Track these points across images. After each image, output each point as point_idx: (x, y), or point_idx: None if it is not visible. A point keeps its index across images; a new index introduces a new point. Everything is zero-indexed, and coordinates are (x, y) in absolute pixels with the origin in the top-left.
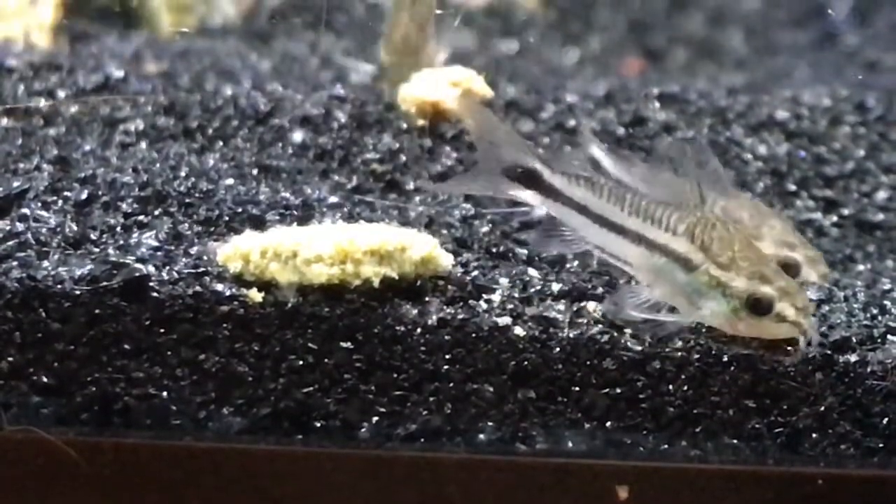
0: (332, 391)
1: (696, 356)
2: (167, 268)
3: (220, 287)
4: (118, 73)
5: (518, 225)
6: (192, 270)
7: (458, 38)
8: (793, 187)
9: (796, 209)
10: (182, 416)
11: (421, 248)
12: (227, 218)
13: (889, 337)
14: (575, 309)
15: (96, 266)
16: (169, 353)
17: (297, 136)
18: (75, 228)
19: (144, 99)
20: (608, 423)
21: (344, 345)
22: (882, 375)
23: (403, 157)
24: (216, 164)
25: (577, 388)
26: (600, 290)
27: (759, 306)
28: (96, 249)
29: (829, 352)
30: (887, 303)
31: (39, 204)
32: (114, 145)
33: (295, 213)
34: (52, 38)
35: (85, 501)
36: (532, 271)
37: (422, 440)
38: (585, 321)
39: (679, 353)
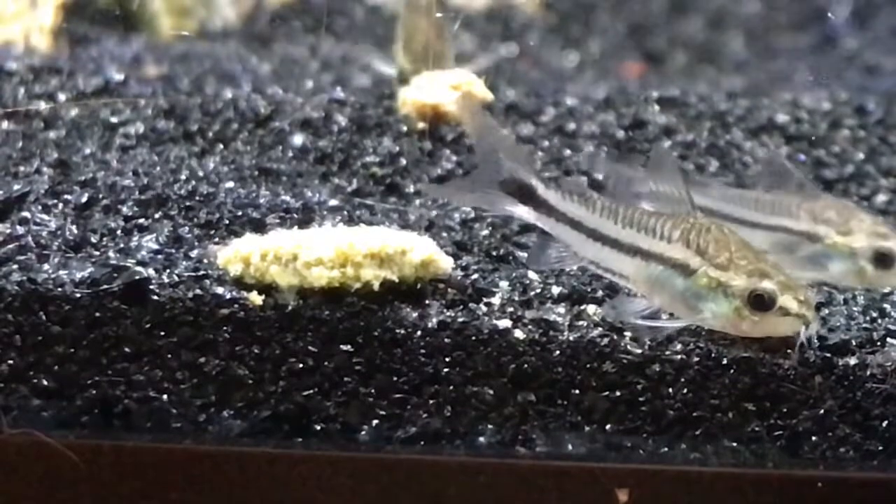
0: (332, 394)
1: (696, 359)
2: (167, 271)
3: (220, 290)
4: (118, 77)
5: (518, 228)
6: (193, 273)
7: (458, 42)
8: None
9: None
10: (182, 419)
11: (421, 251)
12: (227, 221)
13: (888, 340)
14: (575, 312)
15: (97, 269)
16: (169, 356)
17: (298, 139)
18: (76, 231)
19: (144, 102)
20: (608, 426)
21: (344, 348)
22: (882, 378)
23: (403, 161)
24: (216, 167)
25: (577, 391)
26: (600, 293)
27: (761, 302)
28: (97, 252)
29: (828, 355)
30: (887, 306)
31: (40, 207)
32: (114, 148)
33: (295, 216)
34: (53, 42)
35: None
36: (532, 274)
37: (422, 443)
38: (585, 324)
39: (679, 357)
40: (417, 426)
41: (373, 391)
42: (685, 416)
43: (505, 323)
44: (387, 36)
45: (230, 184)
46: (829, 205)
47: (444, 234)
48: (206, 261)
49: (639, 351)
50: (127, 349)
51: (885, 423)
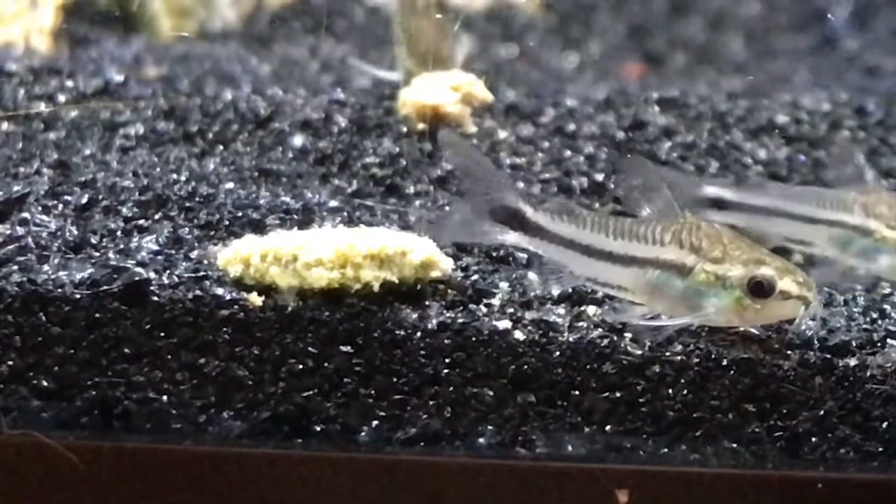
0: (331, 395)
1: (696, 360)
2: (167, 272)
3: (220, 291)
4: (118, 78)
5: None
6: (193, 274)
7: (458, 43)
8: None
9: None
10: (182, 420)
11: (421, 252)
12: (227, 222)
13: (889, 341)
14: (575, 313)
15: (97, 270)
16: (169, 356)
17: (298, 140)
18: (75, 232)
19: (144, 103)
20: (608, 427)
21: (344, 349)
22: (882, 379)
23: (403, 162)
24: (216, 168)
25: (577, 392)
26: (600, 294)
27: (761, 288)
28: (97, 253)
29: (829, 356)
30: (887, 307)
31: (40, 208)
32: (114, 149)
33: (295, 217)
34: (53, 42)
35: None
36: (532, 275)
37: (422, 444)
38: (585, 325)
39: (679, 358)
40: (417, 427)
41: (373, 392)
42: (685, 418)
43: (505, 324)
44: (386, 37)
45: (230, 185)
46: (884, 199)
47: None
48: (205, 262)
49: (639, 352)
50: (127, 350)
51: (885, 425)
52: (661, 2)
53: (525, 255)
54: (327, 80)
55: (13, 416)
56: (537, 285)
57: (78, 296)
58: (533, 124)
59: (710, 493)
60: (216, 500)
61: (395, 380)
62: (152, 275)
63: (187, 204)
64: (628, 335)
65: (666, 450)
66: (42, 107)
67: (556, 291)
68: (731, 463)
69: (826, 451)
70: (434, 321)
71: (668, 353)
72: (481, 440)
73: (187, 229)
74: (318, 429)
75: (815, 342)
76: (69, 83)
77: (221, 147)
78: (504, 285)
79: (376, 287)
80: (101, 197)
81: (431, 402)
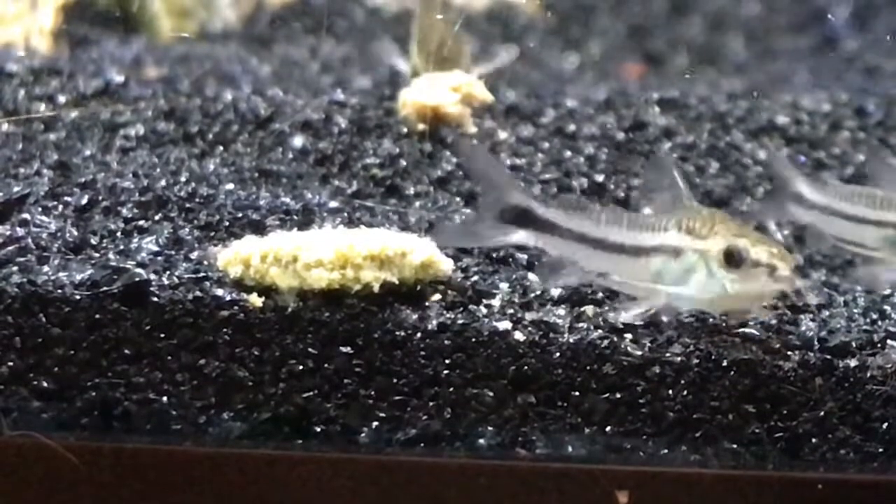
0: (332, 396)
1: (696, 361)
2: (167, 273)
3: (220, 292)
4: (118, 78)
5: None
6: (193, 275)
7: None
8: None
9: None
10: (182, 421)
11: (421, 252)
12: (227, 223)
13: (889, 341)
14: (575, 314)
15: (97, 271)
16: (169, 357)
17: (298, 141)
18: (76, 233)
19: (145, 104)
20: (608, 428)
21: (344, 350)
22: (882, 380)
23: (403, 162)
24: (216, 168)
25: (577, 393)
26: (600, 295)
27: (731, 257)
28: (97, 254)
29: (829, 357)
30: (887, 307)
31: (40, 209)
32: (114, 150)
33: (295, 217)
34: (53, 43)
35: None
36: (532, 276)
37: (422, 445)
38: (585, 326)
39: (679, 358)
40: (417, 428)
41: (373, 393)
42: (685, 418)
43: (505, 325)
44: (385, 36)
45: (230, 185)
46: None
47: None
48: (205, 262)
49: (639, 353)
50: (127, 351)
51: (885, 425)
52: (661, 2)
53: (525, 256)
54: (327, 81)
55: (13, 417)
56: (539, 284)
57: (78, 297)
58: (533, 125)
59: (710, 493)
60: (216, 501)
61: (395, 381)
62: (152, 276)
63: (187, 205)
64: (628, 336)
65: (666, 450)
66: (42, 107)
67: (558, 288)
68: (732, 464)
69: (826, 452)
70: (434, 322)
71: (668, 354)
72: (481, 441)
73: (187, 230)
74: (319, 430)
75: (816, 343)
76: (69, 84)
77: (221, 148)
78: (504, 286)
79: (376, 288)
80: (101, 198)
81: (431, 403)
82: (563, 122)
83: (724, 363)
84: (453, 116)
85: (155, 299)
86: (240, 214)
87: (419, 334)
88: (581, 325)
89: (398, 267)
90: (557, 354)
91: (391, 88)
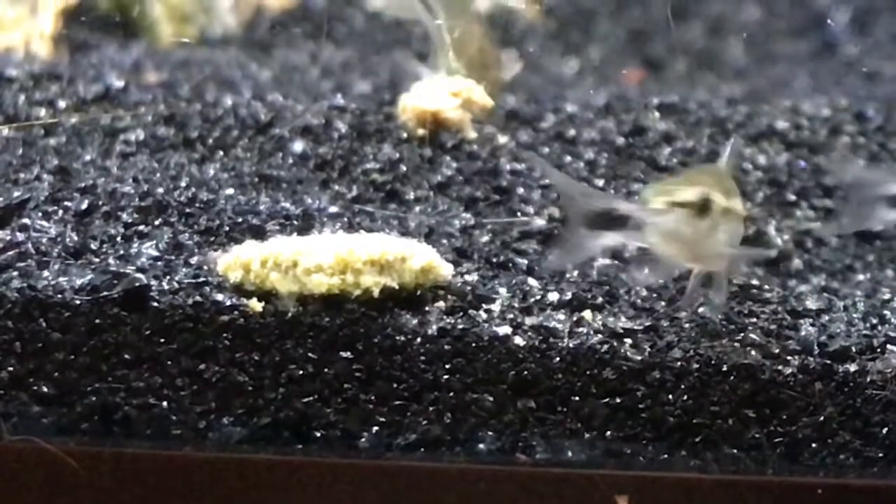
0: (332, 401)
1: (696, 366)
2: (167, 278)
3: (220, 297)
4: (118, 83)
5: (518, 235)
6: (193, 280)
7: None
8: (792, 197)
9: (796, 219)
10: (182, 426)
11: (421, 257)
12: (227, 228)
13: (889, 346)
14: (574, 319)
15: (97, 276)
16: (169, 362)
17: (298, 146)
18: (76, 238)
19: (145, 109)
20: (608, 433)
21: (344, 354)
22: (882, 385)
23: (403, 167)
24: (216, 173)
25: (577, 398)
26: (600, 299)
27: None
28: (97, 259)
29: (828, 361)
30: (887, 312)
31: (40, 214)
32: (114, 155)
33: (295, 222)
34: (53, 48)
35: None
36: (532, 281)
37: (422, 450)
38: (585, 331)
39: (678, 363)
40: (417, 433)
41: (373, 398)
42: (685, 423)
43: (505, 329)
44: (385, 42)
45: (230, 190)
46: None
47: (444, 241)
48: (206, 267)
49: (639, 358)
50: (127, 356)
51: (885, 430)
52: (661, 7)
53: (525, 261)
54: (327, 86)
55: (13, 422)
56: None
57: (78, 301)
58: (533, 130)
59: (709, 498)
60: None
61: (395, 385)
62: (152, 281)
63: (187, 210)
64: (628, 341)
65: (666, 455)
66: (42, 112)
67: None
68: (731, 469)
69: (826, 457)
70: (434, 327)
71: (667, 359)
72: (481, 446)
73: (187, 235)
74: (319, 434)
75: (815, 348)
76: (69, 89)
77: (222, 153)
78: (504, 291)
79: (376, 293)
80: (101, 203)
81: (431, 408)
82: (563, 127)
83: (724, 368)
84: (453, 121)
85: (155, 304)
86: (240, 219)
87: (419, 339)
88: (581, 329)
89: (398, 272)
90: (557, 359)
91: (391, 93)
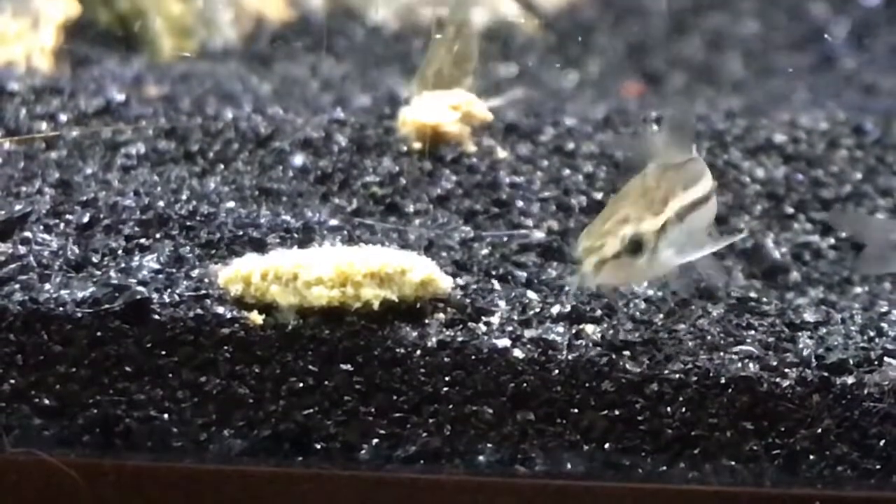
0: (332, 413)
1: (694, 378)
2: (169, 290)
3: (221, 309)
4: (120, 97)
5: (517, 248)
6: (194, 293)
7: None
8: (790, 210)
9: (794, 232)
10: (183, 438)
11: (421, 270)
12: (227, 241)
13: (886, 359)
14: (574, 331)
15: (98, 289)
16: (170, 375)
17: (298, 159)
18: (77, 251)
19: (146, 122)
20: (607, 445)
21: (344, 367)
22: (879, 397)
23: (403, 181)
24: (217, 187)
25: (576, 410)
26: (599, 312)
27: None
28: (98, 272)
29: (826, 374)
30: (884, 325)
31: (41, 227)
32: (115, 169)
33: (295, 235)
34: (54, 62)
35: None
36: (531, 294)
37: (421, 462)
38: (584, 343)
39: (677, 376)
40: (417, 445)
41: (373, 410)
42: (684, 435)
43: (504, 342)
44: (386, 56)
45: (231, 203)
46: None
47: (444, 254)
48: (206, 280)
49: (637, 370)
50: (128, 368)
51: (882, 442)
52: (660, 21)
53: (524, 274)
54: (327, 100)
55: (15, 434)
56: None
57: (79, 314)
58: (532, 143)
59: None
60: None
61: (394, 398)
62: (154, 293)
63: (188, 223)
64: (626, 353)
65: (665, 467)
66: (44, 126)
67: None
68: (730, 480)
69: (824, 469)
70: (434, 339)
71: (666, 371)
72: (481, 458)
73: (188, 248)
74: (319, 446)
75: (813, 360)
76: (71, 103)
77: (222, 166)
78: (503, 304)
79: (376, 305)
80: (102, 216)
81: (431, 420)
82: (562, 141)
83: (722, 380)
84: (453, 135)
85: (156, 317)
86: (240, 232)
87: (419, 352)
88: (580, 342)
89: (398, 284)
90: (556, 372)
91: (391, 107)
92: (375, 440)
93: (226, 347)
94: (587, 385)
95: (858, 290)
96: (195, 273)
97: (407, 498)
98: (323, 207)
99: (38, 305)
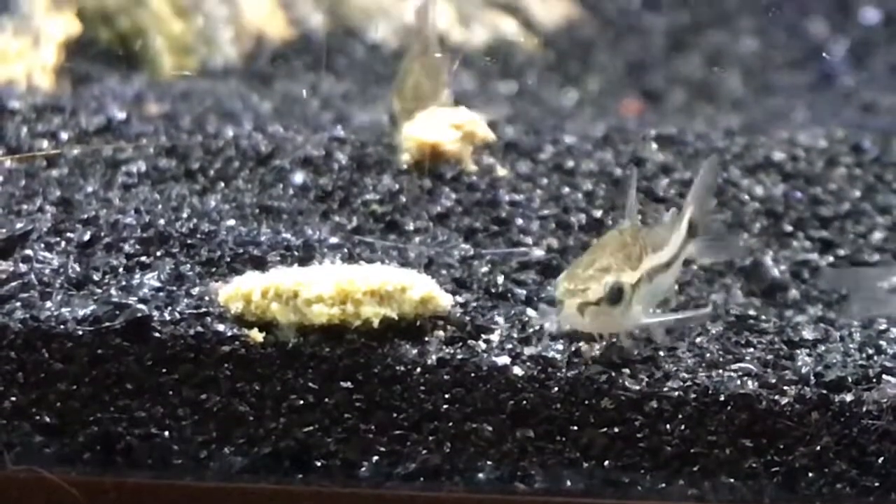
0: (332, 431)
1: (693, 395)
2: (169, 308)
3: (221, 327)
4: (120, 115)
5: (517, 265)
6: (194, 311)
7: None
8: (789, 228)
9: (792, 249)
10: (183, 456)
11: (421, 288)
12: (228, 259)
13: (885, 377)
14: (573, 349)
15: (99, 307)
16: (171, 392)
17: (298, 177)
18: (78, 269)
19: (146, 140)
20: (606, 462)
21: (344, 385)
22: (878, 415)
23: (403, 198)
24: (217, 205)
25: (576, 428)
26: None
27: None
28: (99, 290)
29: (825, 391)
30: (883, 342)
31: (42, 245)
32: (116, 187)
33: (296, 253)
34: (55, 80)
35: None
36: (531, 311)
37: (421, 479)
38: (583, 361)
39: (676, 393)
40: (417, 462)
41: (373, 427)
42: (683, 453)
43: (504, 360)
44: (385, 74)
45: (231, 222)
46: None
47: (444, 272)
48: (207, 298)
49: (637, 387)
50: (129, 386)
51: (880, 460)
52: (660, 39)
53: (524, 292)
54: (328, 118)
55: (16, 452)
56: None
57: (80, 332)
58: (532, 161)
59: None
60: None
61: (394, 415)
62: (154, 311)
63: (189, 241)
64: (626, 371)
65: (664, 485)
66: (45, 144)
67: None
68: (729, 498)
69: (822, 486)
70: (433, 357)
71: (665, 389)
72: (480, 475)
73: (189, 266)
74: (319, 464)
75: (812, 378)
76: (72, 121)
77: (223, 184)
78: (503, 321)
79: (376, 323)
80: (103, 234)
81: (431, 438)
82: (562, 159)
83: (721, 398)
84: (453, 153)
85: (157, 335)
86: (241, 250)
87: (419, 369)
88: (579, 359)
89: (398, 302)
90: (556, 389)
91: (390, 125)
92: (375, 457)
93: (226, 365)
94: (586, 402)
95: (857, 307)
96: (196, 291)
97: None
98: (323, 225)
99: (39, 323)
